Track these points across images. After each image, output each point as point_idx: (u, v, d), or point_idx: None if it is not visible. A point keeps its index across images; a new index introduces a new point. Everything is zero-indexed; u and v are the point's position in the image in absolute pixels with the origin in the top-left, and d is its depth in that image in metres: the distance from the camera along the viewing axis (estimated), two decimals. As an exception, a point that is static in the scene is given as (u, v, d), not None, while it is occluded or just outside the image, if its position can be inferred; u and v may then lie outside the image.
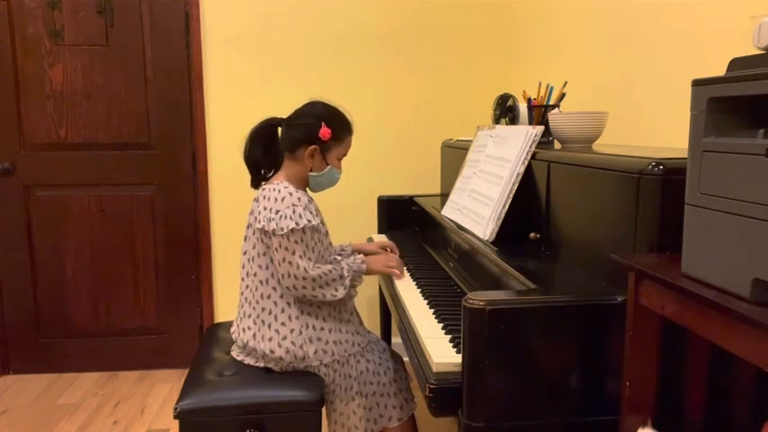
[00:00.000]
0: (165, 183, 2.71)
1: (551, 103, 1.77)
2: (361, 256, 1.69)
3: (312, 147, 1.60)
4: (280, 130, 1.68)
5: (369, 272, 1.68)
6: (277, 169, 1.68)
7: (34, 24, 2.54)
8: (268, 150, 1.68)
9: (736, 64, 0.79)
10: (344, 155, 1.68)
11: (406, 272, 1.84)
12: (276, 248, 1.53)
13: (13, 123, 2.60)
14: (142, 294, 2.77)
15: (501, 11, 2.75)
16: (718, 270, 0.79)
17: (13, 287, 2.71)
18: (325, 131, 1.59)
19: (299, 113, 1.65)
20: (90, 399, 2.52)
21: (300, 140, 1.61)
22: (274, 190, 1.56)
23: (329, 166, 1.64)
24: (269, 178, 1.69)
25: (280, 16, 2.63)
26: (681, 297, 0.85)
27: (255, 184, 1.70)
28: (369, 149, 2.74)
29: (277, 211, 1.52)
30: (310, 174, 1.64)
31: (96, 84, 2.61)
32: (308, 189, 1.69)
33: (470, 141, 1.99)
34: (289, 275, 1.53)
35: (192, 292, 2.79)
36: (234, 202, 2.70)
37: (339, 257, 1.66)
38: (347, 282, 1.58)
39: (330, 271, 1.55)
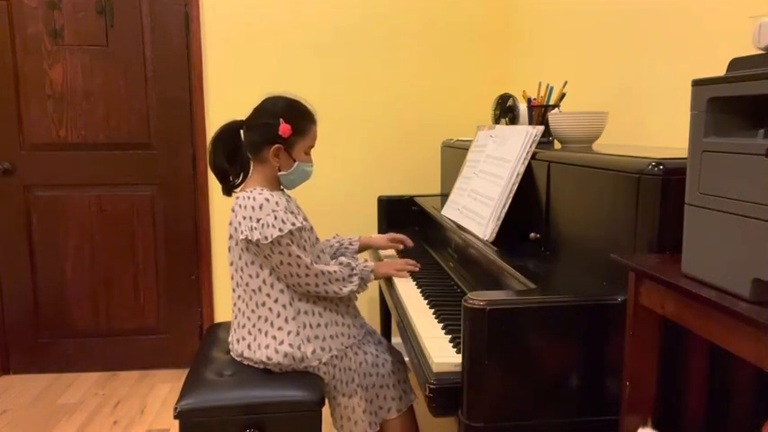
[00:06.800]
0: (165, 183, 2.71)
1: (551, 103, 1.77)
2: (371, 264, 1.68)
3: (275, 146, 1.55)
4: (242, 132, 1.62)
5: (376, 277, 1.69)
6: (246, 173, 1.64)
7: (34, 24, 2.54)
8: (233, 155, 1.63)
9: (736, 64, 0.79)
10: (312, 146, 1.62)
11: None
12: (268, 255, 1.51)
13: (13, 123, 2.60)
14: (142, 294, 2.77)
15: (501, 10, 2.75)
16: (718, 270, 0.79)
17: (13, 287, 2.70)
18: (284, 128, 1.53)
19: (256, 112, 1.60)
20: (90, 399, 2.52)
21: (262, 142, 1.56)
22: (249, 198, 1.50)
23: (297, 162, 1.59)
24: (239, 184, 1.66)
25: (279, 16, 2.63)
26: (681, 297, 0.85)
27: (227, 191, 1.65)
28: (369, 149, 2.75)
29: (258, 220, 1.48)
30: (279, 173, 1.59)
31: (96, 84, 2.61)
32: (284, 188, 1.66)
33: (470, 141, 1.99)
34: (292, 274, 1.52)
35: (192, 292, 2.79)
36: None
37: (349, 259, 1.65)
38: (354, 286, 1.59)
39: (335, 271, 1.56)
